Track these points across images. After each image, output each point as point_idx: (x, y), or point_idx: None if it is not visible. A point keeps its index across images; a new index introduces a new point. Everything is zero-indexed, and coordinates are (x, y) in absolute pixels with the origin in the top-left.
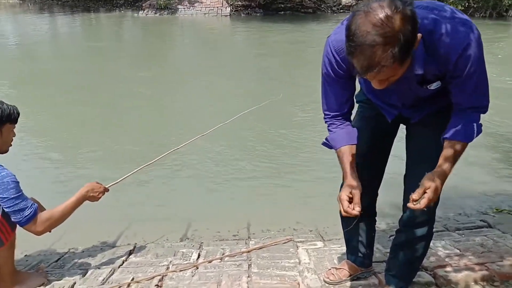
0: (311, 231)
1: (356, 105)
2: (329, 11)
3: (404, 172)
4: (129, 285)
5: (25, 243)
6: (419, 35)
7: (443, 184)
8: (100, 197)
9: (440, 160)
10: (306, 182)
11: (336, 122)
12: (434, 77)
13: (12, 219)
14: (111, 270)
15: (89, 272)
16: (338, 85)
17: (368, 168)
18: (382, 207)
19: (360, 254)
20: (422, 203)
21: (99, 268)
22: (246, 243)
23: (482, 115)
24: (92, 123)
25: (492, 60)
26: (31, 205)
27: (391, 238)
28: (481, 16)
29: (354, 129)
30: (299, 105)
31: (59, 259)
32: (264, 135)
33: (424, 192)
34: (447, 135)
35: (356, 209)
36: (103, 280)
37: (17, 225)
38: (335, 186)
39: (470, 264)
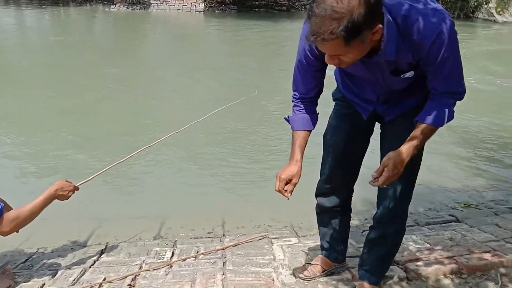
0: (285, 227)
1: (333, 103)
2: (303, 9)
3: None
4: (100, 285)
5: None
6: (379, 25)
7: (405, 163)
8: (70, 196)
9: (407, 140)
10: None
11: (300, 105)
12: (407, 65)
13: None
14: (82, 270)
15: (59, 272)
16: (308, 73)
17: (344, 166)
18: (356, 203)
19: (334, 250)
20: (380, 181)
21: (69, 268)
22: (221, 241)
23: (458, 102)
24: (59, 119)
25: None
26: None
27: (364, 233)
28: None
29: (315, 116)
30: (273, 102)
31: (27, 259)
32: (238, 133)
33: (383, 170)
34: (418, 118)
35: (287, 194)
36: (73, 280)
37: None
38: (309, 182)
39: (440, 257)
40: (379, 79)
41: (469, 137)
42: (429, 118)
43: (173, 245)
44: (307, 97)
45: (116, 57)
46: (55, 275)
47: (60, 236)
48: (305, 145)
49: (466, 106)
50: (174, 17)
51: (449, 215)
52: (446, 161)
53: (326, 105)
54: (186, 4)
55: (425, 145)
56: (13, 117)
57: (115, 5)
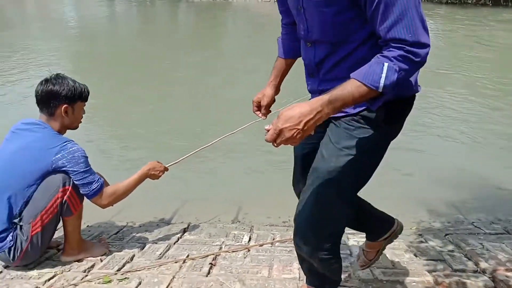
0: None
1: None
2: None
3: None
4: (184, 261)
5: (87, 215)
6: None
7: (308, 120)
8: (160, 176)
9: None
10: None
11: (283, 31)
12: None
13: (81, 191)
14: (167, 245)
15: (147, 246)
16: None
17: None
18: (436, 205)
19: (373, 232)
20: (268, 134)
21: (156, 243)
22: None
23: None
24: (144, 106)
25: None
26: (98, 179)
27: (446, 237)
28: None
29: (292, 44)
30: None
31: (118, 231)
32: None
33: None
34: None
35: (260, 116)
36: (160, 254)
37: (85, 197)
38: (382, 177)
39: None
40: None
41: None
42: (360, 71)
43: (250, 230)
44: (285, 22)
45: (196, 47)
46: (143, 248)
47: (147, 213)
48: (283, 70)
49: None
50: (254, 7)
51: None
52: None
53: None
54: None
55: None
56: (102, 106)
57: None
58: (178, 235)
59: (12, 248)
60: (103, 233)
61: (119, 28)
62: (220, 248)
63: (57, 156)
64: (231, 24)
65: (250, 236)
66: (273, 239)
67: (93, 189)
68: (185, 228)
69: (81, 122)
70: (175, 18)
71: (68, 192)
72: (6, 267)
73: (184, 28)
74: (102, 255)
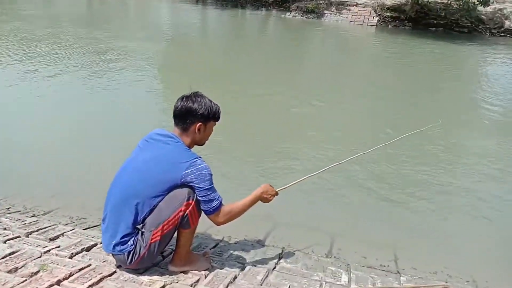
0: (467, 282)
1: None
2: (488, 33)
3: None
4: None
5: None
6: None
7: None
8: (271, 200)
9: None
10: (460, 224)
11: None
12: None
13: (201, 207)
14: (266, 271)
15: (247, 268)
16: None
17: None
18: None
19: None
20: None
21: (254, 266)
22: (396, 279)
23: None
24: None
25: None
26: (218, 197)
27: None
28: None
29: None
30: (452, 135)
31: (216, 245)
32: (420, 163)
33: None
34: None
35: None
36: (261, 280)
37: (203, 213)
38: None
39: None
40: None
41: None
42: None
43: (347, 269)
44: None
45: (280, 64)
46: (243, 269)
47: (240, 229)
48: None
49: None
50: (345, 28)
51: None
52: None
53: None
54: (359, 17)
55: None
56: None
57: (291, 12)
58: (275, 261)
59: (132, 252)
60: (202, 245)
61: (209, 36)
62: (321, 285)
63: (186, 171)
64: (318, 45)
65: (349, 277)
66: (374, 284)
67: (213, 207)
68: (279, 254)
69: (208, 140)
70: (264, 32)
71: (190, 207)
72: (118, 266)
73: (271, 44)
74: (205, 270)
